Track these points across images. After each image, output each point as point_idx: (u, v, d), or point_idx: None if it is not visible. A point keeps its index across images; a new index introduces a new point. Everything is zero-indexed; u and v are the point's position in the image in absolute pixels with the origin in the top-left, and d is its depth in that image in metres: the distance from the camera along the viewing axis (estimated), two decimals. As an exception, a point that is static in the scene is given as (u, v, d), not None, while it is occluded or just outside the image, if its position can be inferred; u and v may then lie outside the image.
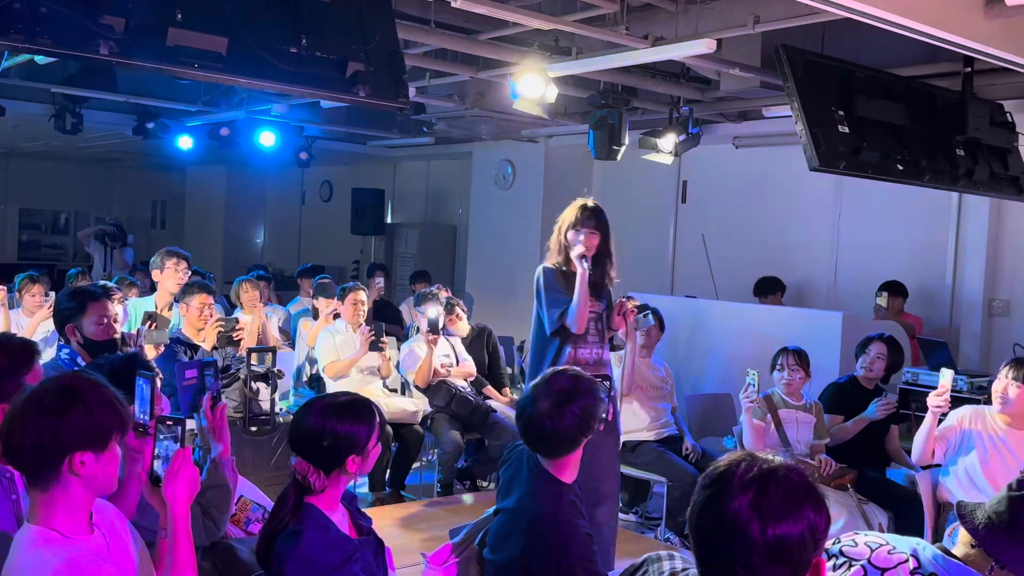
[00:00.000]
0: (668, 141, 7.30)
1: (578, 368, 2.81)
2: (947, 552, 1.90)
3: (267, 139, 9.48)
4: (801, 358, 4.79)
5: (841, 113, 5.08)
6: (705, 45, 5.12)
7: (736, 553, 1.42)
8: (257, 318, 6.02)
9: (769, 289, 7.66)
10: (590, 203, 4.13)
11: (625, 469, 5.03)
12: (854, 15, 3.98)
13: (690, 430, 5.68)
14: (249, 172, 14.37)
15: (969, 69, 5.65)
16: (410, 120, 9.18)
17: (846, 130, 5.06)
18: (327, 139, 10.57)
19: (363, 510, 2.54)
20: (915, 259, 7.40)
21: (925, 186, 5.62)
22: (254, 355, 4.89)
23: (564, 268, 4.12)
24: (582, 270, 3.99)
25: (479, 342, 6.64)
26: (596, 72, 6.33)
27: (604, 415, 2.64)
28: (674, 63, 6.46)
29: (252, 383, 4.88)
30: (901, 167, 5.31)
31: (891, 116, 5.34)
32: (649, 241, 9.39)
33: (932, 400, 4.00)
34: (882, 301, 6.93)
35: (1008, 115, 5.97)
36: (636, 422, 5.37)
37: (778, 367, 4.79)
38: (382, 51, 4.04)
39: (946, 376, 4.02)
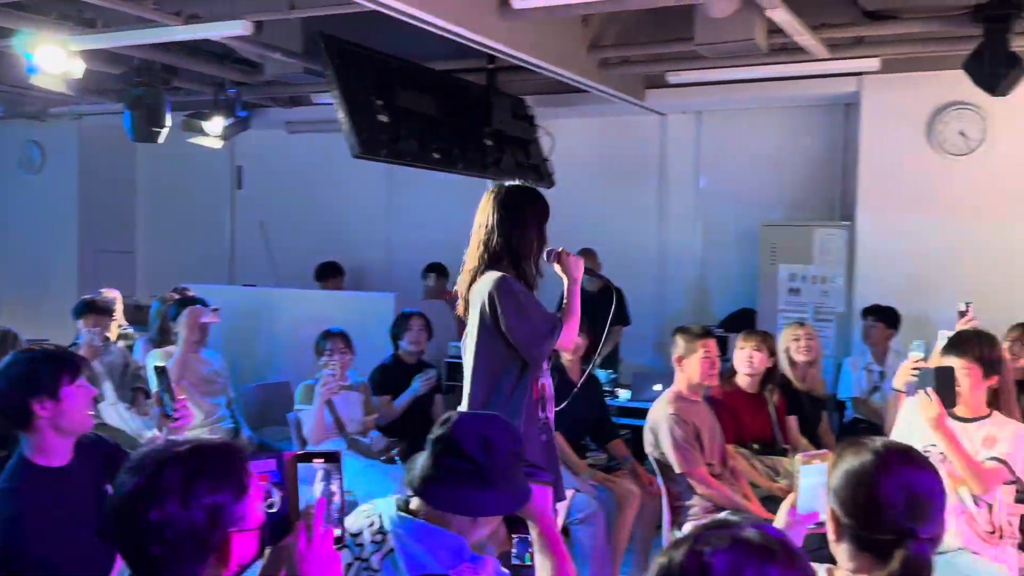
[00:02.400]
0: (215, 124, 7.04)
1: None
2: (406, 510, 2.06)
3: None
4: (345, 340, 4.89)
5: (380, 103, 5.26)
6: (242, 27, 4.99)
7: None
8: None
9: (329, 274, 7.75)
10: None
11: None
12: (381, 7, 4.12)
13: (250, 421, 5.55)
14: None
15: (492, 66, 6.17)
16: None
17: (385, 119, 5.25)
18: None
19: None
20: (460, 241, 7.91)
21: (459, 173, 6.05)
22: None
23: (523, 276, 3.20)
24: (574, 274, 3.21)
25: None
26: (130, 48, 5.87)
27: None
28: (218, 43, 6.22)
29: None
30: (437, 155, 5.64)
31: (426, 107, 5.65)
32: (205, 229, 9.01)
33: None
34: (430, 281, 7.35)
35: (529, 109, 6.63)
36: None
37: (327, 352, 4.84)
38: None
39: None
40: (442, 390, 5.60)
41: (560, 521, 2.20)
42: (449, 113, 5.92)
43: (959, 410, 3.36)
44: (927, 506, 1.73)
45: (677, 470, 3.94)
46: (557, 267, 3.20)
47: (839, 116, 6.83)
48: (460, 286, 3.24)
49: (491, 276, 3.10)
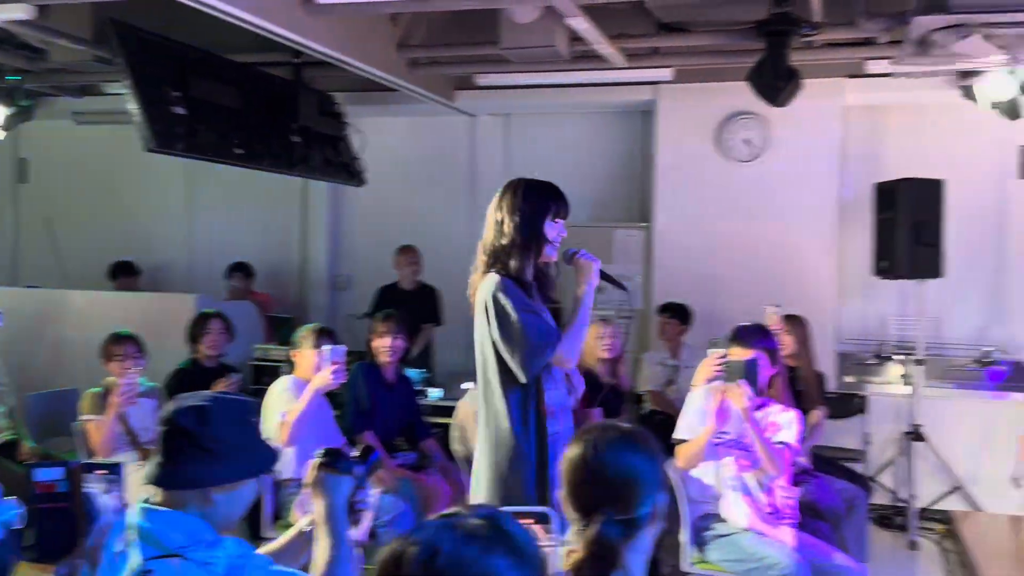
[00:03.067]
0: (-5, 113, 6.51)
1: None
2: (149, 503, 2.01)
3: None
4: (136, 344, 4.64)
5: (177, 94, 5.03)
6: (23, 10, 4.63)
7: None
8: None
9: (123, 273, 7.34)
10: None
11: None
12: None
13: (34, 431, 5.16)
14: None
15: (299, 60, 6.03)
16: None
17: (182, 111, 5.02)
18: None
19: None
20: (267, 240, 7.75)
21: (264, 170, 5.87)
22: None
23: (520, 277, 2.94)
24: (591, 280, 3.00)
25: None
26: None
27: None
28: (-3, 27, 5.75)
29: None
30: (240, 151, 5.45)
31: (228, 100, 5.45)
32: (-17, 226, 8.31)
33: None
34: (235, 281, 7.12)
35: (338, 106, 6.53)
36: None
37: (119, 357, 4.58)
38: None
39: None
40: (248, 394, 5.42)
41: (367, 525, 2.16)
42: (253, 107, 5.73)
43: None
44: (624, 489, 1.78)
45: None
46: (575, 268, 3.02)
47: (637, 122, 7.13)
48: (471, 286, 3.02)
49: (491, 280, 2.89)
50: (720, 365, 3.55)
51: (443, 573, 1.14)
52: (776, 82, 5.28)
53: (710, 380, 3.63)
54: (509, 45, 5.16)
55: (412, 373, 5.78)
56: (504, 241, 2.92)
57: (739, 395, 3.46)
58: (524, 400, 2.89)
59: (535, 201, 2.96)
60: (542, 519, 1.86)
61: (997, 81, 5.38)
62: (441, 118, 7.35)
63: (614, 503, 1.74)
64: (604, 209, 7.23)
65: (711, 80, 6.31)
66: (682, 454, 3.70)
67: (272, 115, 5.86)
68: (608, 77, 6.28)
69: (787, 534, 3.62)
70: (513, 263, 2.90)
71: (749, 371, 3.48)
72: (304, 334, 4.41)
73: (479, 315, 2.93)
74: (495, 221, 2.96)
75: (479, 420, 3.00)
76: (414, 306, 6.38)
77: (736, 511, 3.69)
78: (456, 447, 4.16)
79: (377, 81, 5.95)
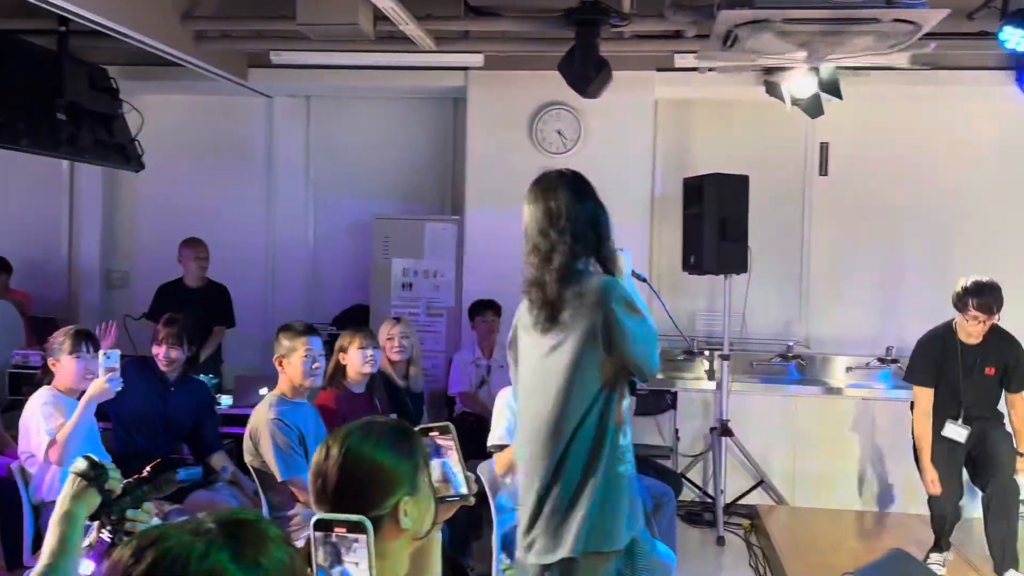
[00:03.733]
0: None
1: None
2: None
3: None
4: None
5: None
6: None
7: None
8: None
9: None
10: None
11: None
12: None
13: None
14: None
15: (65, 28, 5.34)
16: None
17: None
18: None
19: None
20: (28, 233, 6.89)
21: (24, 151, 5.16)
22: None
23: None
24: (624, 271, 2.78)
25: None
26: None
27: None
28: None
29: None
30: (-9, 128, 4.74)
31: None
32: None
33: None
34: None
35: (113, 80, 5.85)
36: None
37: None
38: None
39: None
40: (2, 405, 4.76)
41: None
42: (12, 80, 5.03)
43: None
44: (370, 486, 1.73)
45: (279, 478, 3.64)
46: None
47: (449, 110, 6.86)
48: (547, 290, 2.65)
49: (610, 281, 2.66)
50: None
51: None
52: (587, 72, 5.16)
53: None
54: (306, 21, 4.76)
55: (201, 379, 5.30)
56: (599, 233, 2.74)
57: None
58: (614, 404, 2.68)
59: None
60: (444, 431, 1.80)
61: (799, 78, 5.46)
62: (234, 98, 6.83)
63: (358, 499, 1.68)
64: (415, 201, 6.93)
65: (524, 68, 6.12)
66: (502, 461, 3.52)
67: (33, 89, 5.14)
68: (417, 60, 5.96)
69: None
70: (602, 259, 2.73)
71: None
72: (60, 339, 3.82)
73: (588, 320, 2.61)
74: (587, 216, 2.73)
75: (544, 440, 2.67)
76: (202, 305, 5.85)
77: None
78: (249, 459, 3.76)
79: (159, 55, 5.38)
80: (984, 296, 4.40)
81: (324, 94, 6.91)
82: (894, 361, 6.09)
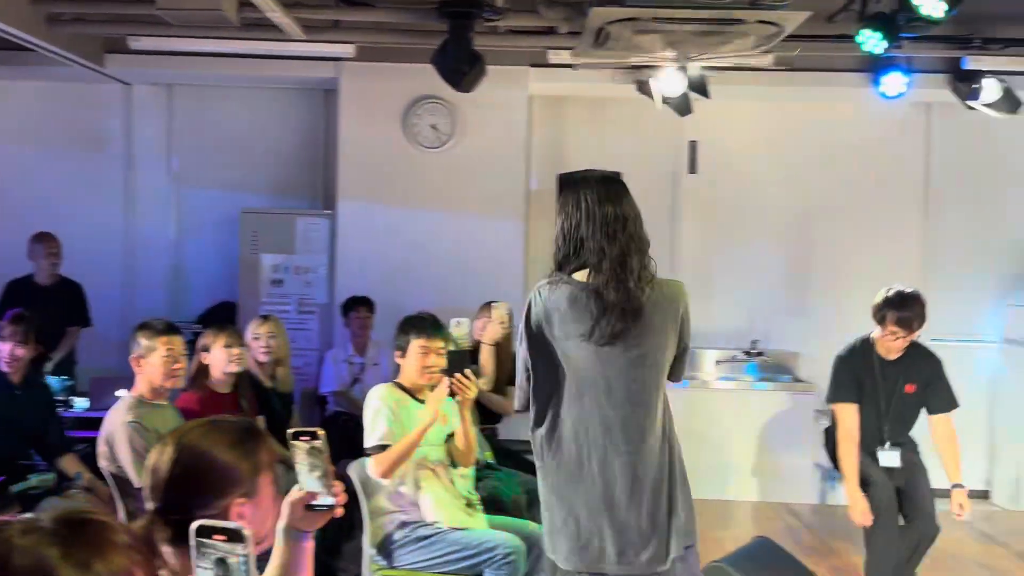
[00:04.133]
0: None
1: None
2: None
3: None
4: None
5: None
6: None
7: None
8: None
9: None
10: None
11: None
12: None
13: None
14: None
15: None
16: None
17: None
18: None
19: None
20: None
21: None
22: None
23: None
24: None
25: None
26: None
27: None
28: None
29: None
30: None
31: None
32: None
33: None
34: None
35: None
36: None
37: None
38: None
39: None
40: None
41: None
42: None
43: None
44: (203, 484, 1.70)
45: (136, 484, 3.47)
46: None
47: (320, 101, 6.70)
48: (632, 290, 2.62)
49: (680, 283, 2.81)
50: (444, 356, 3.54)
51: None
52: (460, 66, 5.11)
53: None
54: (166, 6, 4.53)
55: (53, 381, 5.04)
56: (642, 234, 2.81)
57: (467, 386, 3.42)
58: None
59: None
60: (313, 436, 1.69)
61: (669, 77, 5.56)
62: (90, 85, 6.49)
63: (188, 495, 1.64)
64: (286, 194, 6.73)
65: (397, 60, 6.02)
66: (382, 462, 3.41)
67: None
68: (286, 50, 5.78)
69: (483, 522, 3.60)
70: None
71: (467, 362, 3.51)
72: None
73: (671, 322, 2.68)
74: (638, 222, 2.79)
75: (647, 438, 2.63)
76: (54, 304, 5.51)
77: (439, 511, 3.52)
78: (104, 463, 3.58)
79: (7, 38, 5.08)
80: (904, 310, 3.93)
81: (187, 82, 6.63)
82: (759, 354, 6.29)
